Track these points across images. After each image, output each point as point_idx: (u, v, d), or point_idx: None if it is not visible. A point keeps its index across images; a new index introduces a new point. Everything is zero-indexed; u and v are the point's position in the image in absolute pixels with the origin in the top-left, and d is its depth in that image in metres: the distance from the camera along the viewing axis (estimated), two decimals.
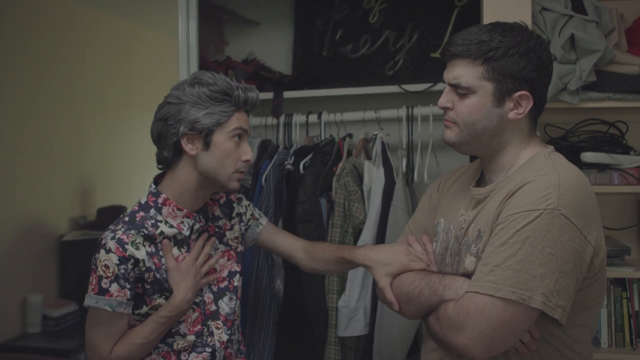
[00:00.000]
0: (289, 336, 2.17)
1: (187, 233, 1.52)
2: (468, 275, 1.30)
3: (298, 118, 2.42)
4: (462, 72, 1.29)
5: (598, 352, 2.07)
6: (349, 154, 2.30)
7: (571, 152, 2.07)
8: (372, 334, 2.08)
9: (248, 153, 1.51)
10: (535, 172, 1.25)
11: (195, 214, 1.54)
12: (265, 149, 2.40)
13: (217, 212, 1.65)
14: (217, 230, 1.63)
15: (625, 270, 2.05)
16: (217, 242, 1.62)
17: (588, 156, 2.04)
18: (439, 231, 1.47)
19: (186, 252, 1.53)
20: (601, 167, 2.05)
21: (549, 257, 1.15)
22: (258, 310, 2.19)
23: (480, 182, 1.43)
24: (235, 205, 1.71)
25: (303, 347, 2.15)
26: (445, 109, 1.34)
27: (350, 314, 2.07)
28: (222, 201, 1.68)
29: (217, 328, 1.56)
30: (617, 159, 2.05)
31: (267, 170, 2.27)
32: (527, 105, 1.29)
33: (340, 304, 2.08)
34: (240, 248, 1.69)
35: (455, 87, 1.31)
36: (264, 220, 1.77)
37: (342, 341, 2.12)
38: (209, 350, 1.53)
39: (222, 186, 1.51)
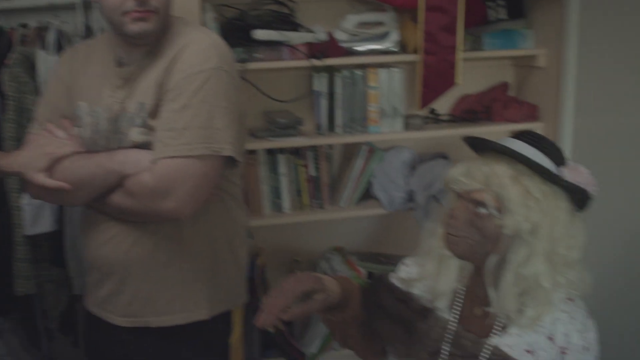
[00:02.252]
0: None
1: None
2: (137, 147, 1.32)
3: None
4: None
5: (282, 217, 2.27)
6: (22, 45, 2.13)
7: (244, 31, 2.11)
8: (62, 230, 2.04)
9: None
10: (189, 37, 1.33)
11: None
12: None
13: None
14: None
15: (300, 139, 2.20)
16: None
17: (259, 34, 2.10)
18: (83, 115, 1.43)
19: None
20: (272, 45, 2.15)
21: (226, 110, 1.28)
22: None
23: (122, 60, 1.41)
24: None
25: None
26: None
27: (35, 211, 2.00)
28: None
29: None
30: (287, 36, 2.14)
31: None
32: None
33: (23, 202, 1.99)
34: None
35: None
36: None
37: (32, 240, 2.04)
38: None
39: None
